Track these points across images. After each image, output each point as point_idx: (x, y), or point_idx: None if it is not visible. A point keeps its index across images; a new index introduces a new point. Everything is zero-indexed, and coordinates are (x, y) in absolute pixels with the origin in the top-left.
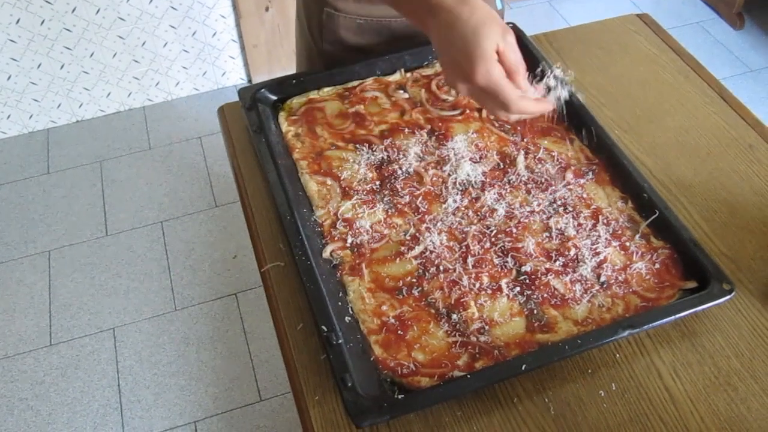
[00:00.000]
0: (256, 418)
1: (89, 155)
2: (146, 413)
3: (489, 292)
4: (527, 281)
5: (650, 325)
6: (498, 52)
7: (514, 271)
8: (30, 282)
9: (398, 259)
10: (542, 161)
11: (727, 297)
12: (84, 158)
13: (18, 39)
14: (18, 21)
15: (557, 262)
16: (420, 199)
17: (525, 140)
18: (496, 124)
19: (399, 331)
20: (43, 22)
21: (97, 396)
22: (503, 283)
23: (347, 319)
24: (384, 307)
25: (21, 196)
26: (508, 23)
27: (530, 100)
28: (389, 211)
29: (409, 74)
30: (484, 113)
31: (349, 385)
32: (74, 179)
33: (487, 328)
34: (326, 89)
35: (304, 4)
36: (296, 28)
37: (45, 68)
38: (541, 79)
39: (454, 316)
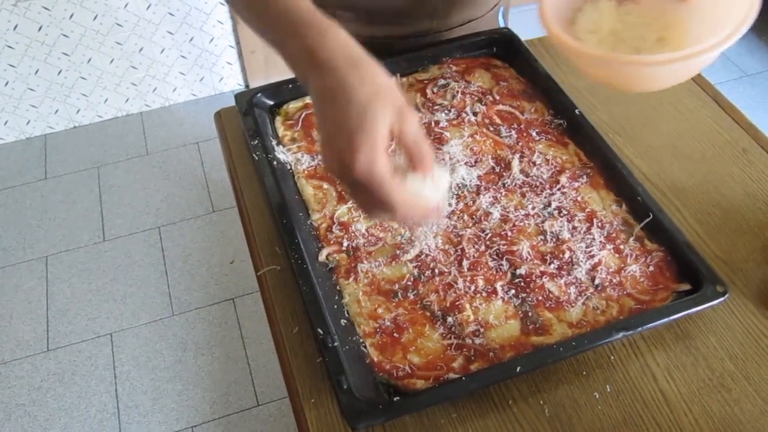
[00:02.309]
0: (254, 423)
1: (86, 161)
2: (144, 418)
3: (484, 294)
4: (522, 284)
5: (644, 327)
6: (394, 137)
7: (509, 274)
8: (27, 287)
9: (394, 262)
10: (537, 165)
11: (721, 299)
12: (81, 164)
13: (16, 45)
14: (16, 27)
15: (552, 265)
16: None
17: (520, 144)
18: (491, 128)
19: (394, 334)
20: (40, 28)
21: (94, 401)
22: (498, 285)
23: (343, 322)
24: (379, 310)
25: (18, 201)
26: (503, 29)
27: (419, 203)
28: None
29: (404, 79)
30: (480, 117)
31: (345, 387)
32: (71, 185)
33: (482, 330)
34: None
35: None
36: None
37: (42, 74)
38: None
39: (450, 319)
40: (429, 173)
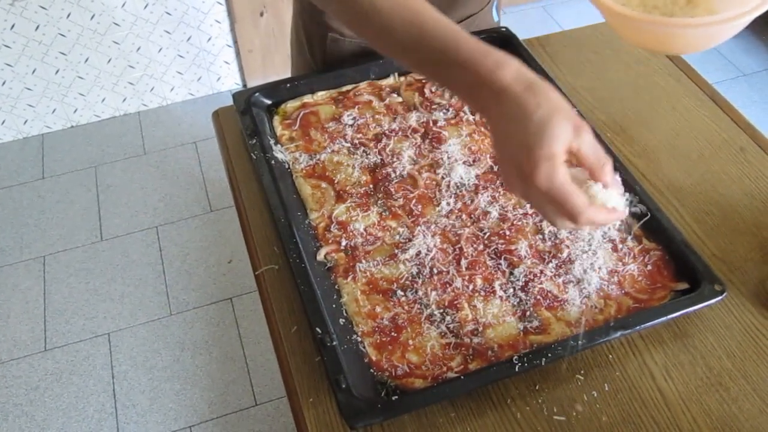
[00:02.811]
0: (252, 422)
1: (84, 160)
2: (141, 418)
3: (482, 293)
4: (520, 283)
5: (642, 326)
6: (571, 153)
7: (507, 273)
8: (25, 287)
9: (392, 261)
10: None
11: (719, 298)
12: (79, 163)
13: (13, 44)
14: (13, 26)
15: (550, 264)
16: (414, 202)
17: None
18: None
19: (393, 333)
20: (37, 28)
21: (92, 401)
22: (497, 284)
23: (341, 321)
24: (378, 309)
25: (15, 201)
26: (501, 27)
27: (600, 208)
28: (383, 214)
29: (402, 78)
30: (478, 116)
31: (344, 386)
32: (69, 184)
33: (480, 329)
34: (320, 93)
35: (304, 26)
36: (293, 46)
37: (40, 73)
38: None
39: (448, 318)
40: (606, 180)
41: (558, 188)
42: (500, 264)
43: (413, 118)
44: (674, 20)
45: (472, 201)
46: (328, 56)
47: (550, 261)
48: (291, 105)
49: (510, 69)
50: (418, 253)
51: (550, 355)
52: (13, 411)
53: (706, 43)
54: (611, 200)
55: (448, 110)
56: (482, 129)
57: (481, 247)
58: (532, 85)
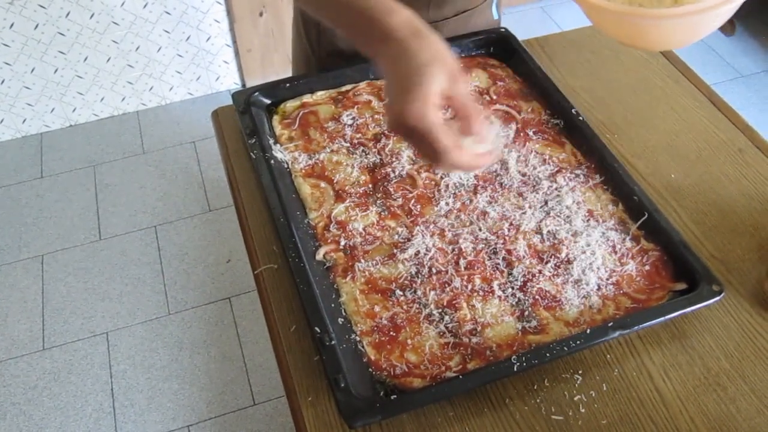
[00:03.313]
0: (250, 422)
1: (83, 159)
2: (139, 417)
3: (481, 293)
4: (519, 283)
5: (641, 326)
6: (446, 97)
7: (505, 273)
8: (23, 286)
9: (391, 260)
10: (534, 164)
11: (717, 298)
12: (77, 162)
13: (11, 43)
14: (12, 25)
15: (548, 264)
16: (413, 201)
17: (517, 143)
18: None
19: (391, 333)
20: (36, 27)
21: (90, 400)
22: (495, 284)
23: (340, 320)
24: (377, 309)
25: (14, 200)
26: (500, 28)
27: (466, 152)
28: (382, 213)
29: None
30: None
31: (342, 385)
32: (68, 183)
33: (479, 329)
34: (320, 93)
35: (302, 16)
36: (293, 35)
37: (39, 72)
38: None
39: (447, 318)
40: (476, 129)
41: (427, 127)
42: (499, 264)
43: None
44: (654, 11)
45: (471, 201)
46: (323, 42)
47: (549, 261)
48: (290, 105)
49: (400, 15)
50: (417, 253)
51: (548, 354)
52: (11, 410)
53: (690, 36)
54: (476, 148)
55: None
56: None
57: (480, 246)
58: (418, 32)
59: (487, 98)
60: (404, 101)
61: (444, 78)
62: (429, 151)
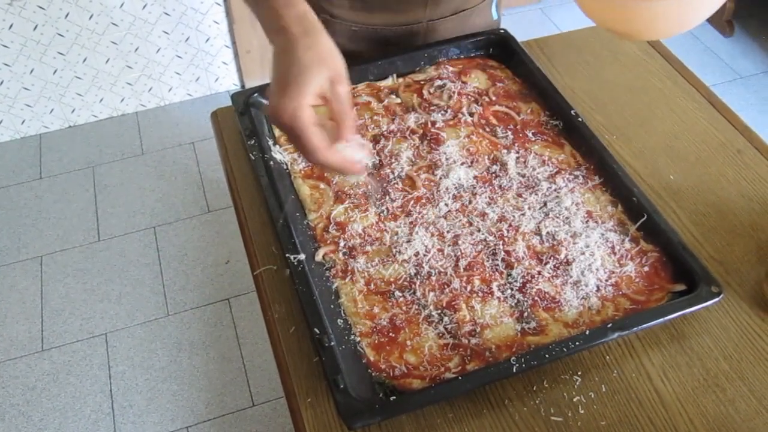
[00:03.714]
0: (249, 423)
1: (82, 160)
2: (138, 419)
3: (480, 294)
4: (518, 284)
5: (640, 327)
6: (324, 99)
7: (505, 274)
8: (22, 287)
9: (390, 262)
10: (533, 166)
11: (716, 299)
12: (76, 163)
13: (11, 44)
14: (11, 26)
15: (548, 265)
16: (412, 203)
17: (516, 145)
18: (487, 129)
19: (391, 334)
20: (36, 27)
21: (89, 401)
22: (494, 285)
23: (339, 321)
24: (376, 310)
25: (13, 201)
26: (499, 29)
27: (337, 154)
28: (381, 214)
29: (401, 79)
30: (476, 118)
31: (341, 387)
32: (66, 184)
33: (478, 330)
34: None
35: None
36: None
37: (38, 73)
38: None
39: (446, 319)
40: (344, 135)
41: (299, 126)
42: (498, 265)
43: (411, 120)
44: None
45: (470, 202)
46: None
47: (548, 262)
48: None
49: (296, 9)
50: (416, 254)
51: (547, 356)
52: (10, 411)
53: (680, 22)
54: (350, 155)
55: (446, 111)
56: (480, 131)
57: (479, 248)
58: (309, 30)
59: (486, 99)
60: (280, 98)
61: (323, 79)
62: (301, 148)
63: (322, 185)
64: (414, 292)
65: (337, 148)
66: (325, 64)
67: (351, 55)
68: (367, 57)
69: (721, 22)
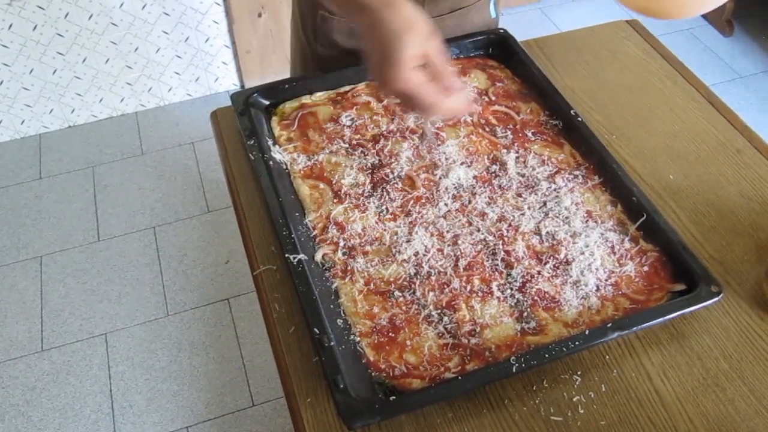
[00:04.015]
0: (249, 423)
1: (81, 161)
2: (138, 419)
3: (480, 294)
4: (518, 284)
5: (639, 326)
6: (423, 57)
7: (504, 274)
8: (21, 287)
9: (390, 261)
10: (533, 165)
11: (715, 299)
12: (76, 164)
13: (10, 44)
14: (10, 26)
15: (547, 265)
16: (411, 202)
17: (516, 144)
18: (487, 129)
19: (390, 334)
20: (35, 28)
21: (89, 401)
22: (494, 285)
23: (339, 321)
24: (376, 310)
25: (13, 201)
26: (499, 29)
27: (447, 101)
28: (381, 214)
29: None
30: (476, 118)
31: (341, 386)
32: (66, 185)
33: (478, 330)
34: (318, 94)
35: (299, 8)
36: (291, 29)
37: (37, 73)
38: None
39: (446, 319)
40: (447, 84)
41: (413, 89)
42: (498, 265)
43: (411, 119)
44: None
45: (470, 202)
46: (319, 34)
47: (548, 262)
48: (289, 106)
49: None
50: (416, 254)
51: (547, 355)
52: (10, 411)
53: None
54: (456, 101)
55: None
56: (480, 131)
57: (479, 247)
58: (390, 2)
59: (486, 99)
60: (387, 68)
61: (418, 42)
62: (417, 107)
63: (321, 185)
64: (414, 292)
65: (449, 97)
66: (415, 28)
67: (350, 52)
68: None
69: (720, 21)
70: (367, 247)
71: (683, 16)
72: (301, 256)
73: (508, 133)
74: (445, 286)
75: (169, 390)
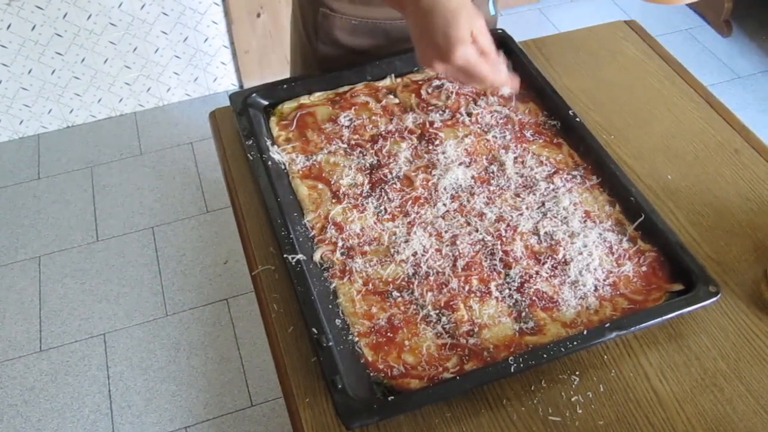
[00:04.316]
0: (247, 423)
1: (80, 161)
2: (137, 419)
3: (478, 294)
4: (516, 284)
5: (637, 326)
6: (472, 36)
7: (503, 274)
8: (20, 288)
9: (388, 262)
10: (531, 166)
11: (713, 299)
12: (75, 164)
13: (9, 44)
14: (9, 26)
15: (546, 265)
16: (410, 203)
17: (514, 145)
18: (485, 129)
19: (389, 334)
20: (34, 28)
21: (87, 402)
22: (492, 285)
23: (337, 321)
24: (374, 310)
25: (11, 201)
26: (497, 29)
27: (500, 73)
28: (379, 214)
29: (399, 79)
30: (474, 118)
31: (340, 387)
32: (65, 185)
33: (476, 330)
34: (317, 94)
35: (300, 4)
36: (291, 26)
37: (36, 73)
38: None
39: (444, 319)
40: (495, 56)
41: (472, 62)
42: (496, 265)
43: (409, 120)
44: None
45: (468, 202)
46: (319, 31)
47: (546, 262)
48: (288, 106)
49: None
50: (414, 254)
51: (545, 355)
52: (8, 412)
53: None
54: (505, 72)
55: (444, 112)
56: (478, 131)
57: (477, 248)
58: None
59: (484, 99)
60: (448, 46)
61: (469, 21)
62: (474, 78)
63: (320, 185)
64: (412, 292)
65: (499, 69)
66: (467, 10)
67: (352, 50)
68: (368, 53)
69: (719, 22)
70: (366, 248)
71: (678, 1)
72: (300, 256)
73: (507, 133)
74: (444, 286)
75: (167, 390)
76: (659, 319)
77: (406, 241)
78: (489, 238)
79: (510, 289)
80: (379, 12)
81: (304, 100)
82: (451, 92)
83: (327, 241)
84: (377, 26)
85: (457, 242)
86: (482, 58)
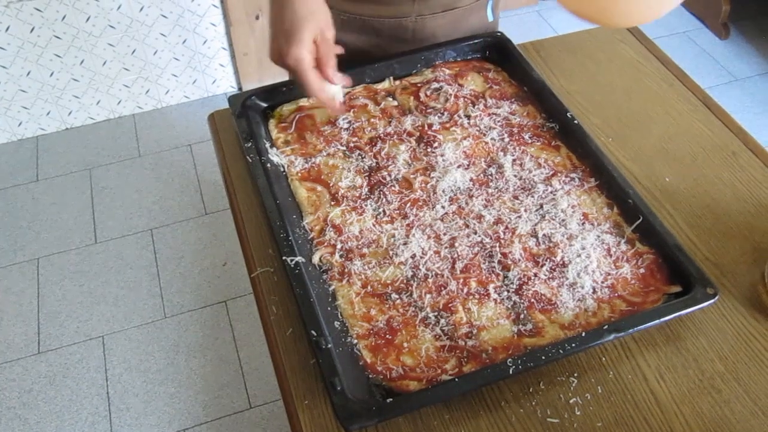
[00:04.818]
0: (246, 425)
1: (78, 163)
2: (135, 421)
3: (477, 296)
4: (514, 286)
5: (636, 328)
6: (315, 43)
7: (501, 276)
8: (18, 290)
9: (387, 264)
10: (529, 168)
11: (711, 301)
12: (73, 166)
13: (7, 46)
14: (8, 28)
15: (544, 267)
16: (408, 205)
17: (512, 147)
18: (484, 131)
19: (387, 336)
20: (32, 30)
21: (85, 404)
22: (491, 287)
23: (336, 323)
24: (373, 312)
25: (9, 203)
26: (496, 32)
27: (324, 93)
28: (378, 217)
29: (397, 82)
30: (472, 120)
31: (339, 388)
32: (63, 187)
33: (474, 332)
34: None
35: None
36: None
37: (34, 76)
38: None
39: (443, 321)
40: (329, 71)
41: (302, 68)
42: (494, 267)
43: (408, 122)
44: None
45: (467, 204)
46: None
47: (544, 264)
48: (287, 108)
49: None
50: (413, 256)
51: (543, 357)
52: (6, 414)
53: (655, 6)
54: (332, 92)
55: (443, 114)
56: (477, 133)
57: (476, 250)
58: None
59: (483, 102)
60: (285, 45)
61: (316, 28)
62: (301, 84)
63: (319, 187)
64: (411, 295)
65: (325, 86)
66: (315, 17)
67: (345, 47)
68: (358, 48)
69: (717, 25)
70: (365, 250)
71: (627, 24)
72: (299, 258)
73: (505, 135)
74: (442, 289)
75: (166, 392)
76: (657, 321)
77: (405, 244)
78: (487, 240)
79: (508, 291)
80: (367, 8)
81: (303, 102)
82: (450, 95)
83: (326, 243)
84: (365, 22)
85: (456, 244)
86: (314, 70)
